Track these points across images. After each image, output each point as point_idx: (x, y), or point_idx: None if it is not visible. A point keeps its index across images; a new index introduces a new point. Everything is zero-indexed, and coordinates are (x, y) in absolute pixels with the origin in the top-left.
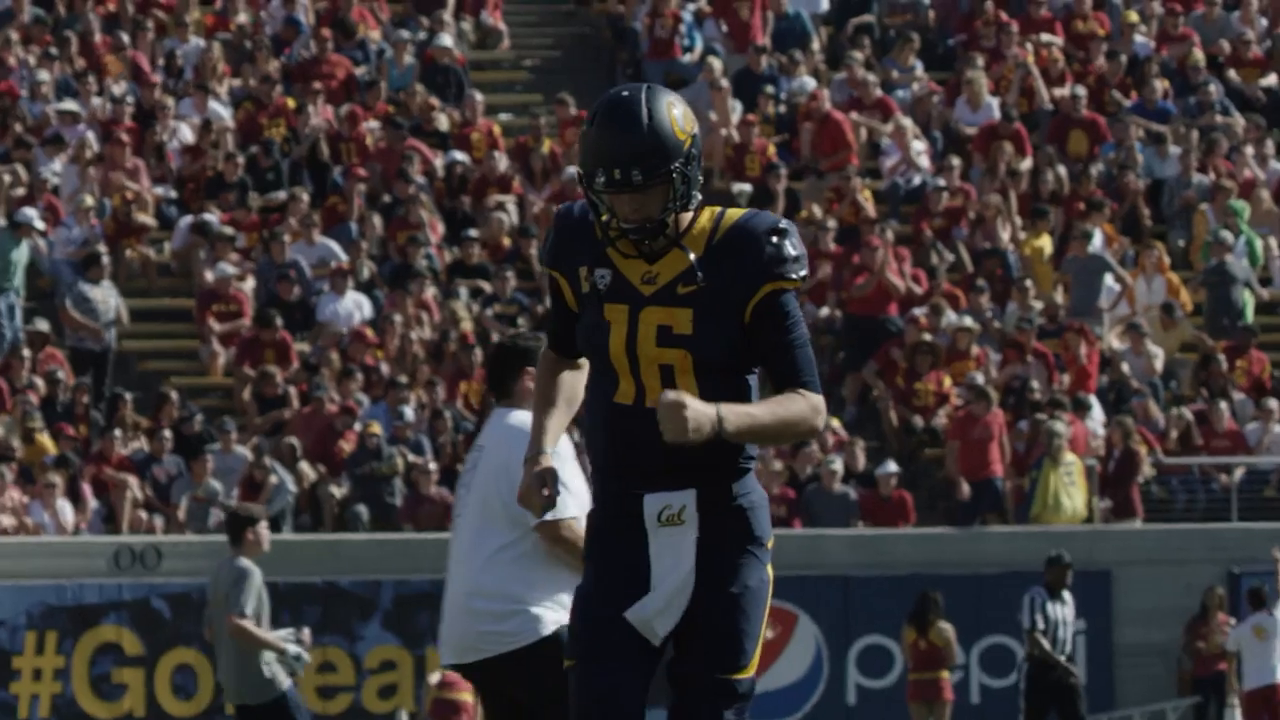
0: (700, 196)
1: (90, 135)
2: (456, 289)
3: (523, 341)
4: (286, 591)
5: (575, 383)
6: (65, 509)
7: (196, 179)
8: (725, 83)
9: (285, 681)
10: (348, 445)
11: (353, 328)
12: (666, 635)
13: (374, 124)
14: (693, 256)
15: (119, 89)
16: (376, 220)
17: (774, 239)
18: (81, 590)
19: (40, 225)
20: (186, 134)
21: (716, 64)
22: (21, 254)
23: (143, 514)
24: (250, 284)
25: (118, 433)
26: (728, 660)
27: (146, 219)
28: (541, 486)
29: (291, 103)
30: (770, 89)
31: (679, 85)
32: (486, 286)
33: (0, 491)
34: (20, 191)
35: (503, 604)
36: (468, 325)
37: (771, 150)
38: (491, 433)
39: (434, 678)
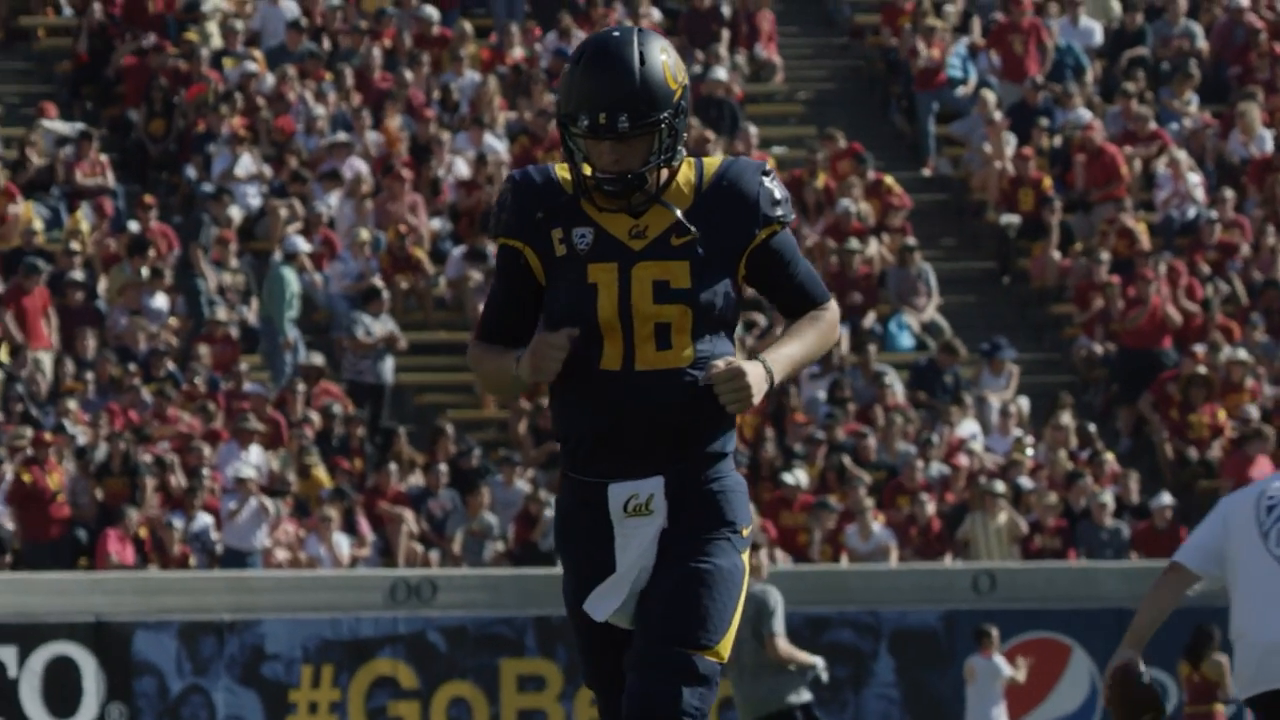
0: (685, 153)
1: (365, 169)
2: None
3: None
4: (559, 624)
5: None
6: (341, 542)
7: (471, 213)
8: (1000, 115)
9: (806, 694)
10: None
11: None
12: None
13: None
14: (678, 213)
15: (395, 123)
16: None
17: (765, 181)
18: (357, 624)
19: (306, 248)
20: (462, 168)
21: (990, 97)
22: (295, 285)
23: (418, 547)
24: None
25: (393, 466)
26: (689, 634)
27: (421, 254)
28: (555, 349)
29: None
30: (1045, 121)
31: (953, 118)
32: (760, 318)
33: (276, 525)
34: (296, 225)
35: None
36: (740, 358)
37: (1047, 183)
38: None
39: None
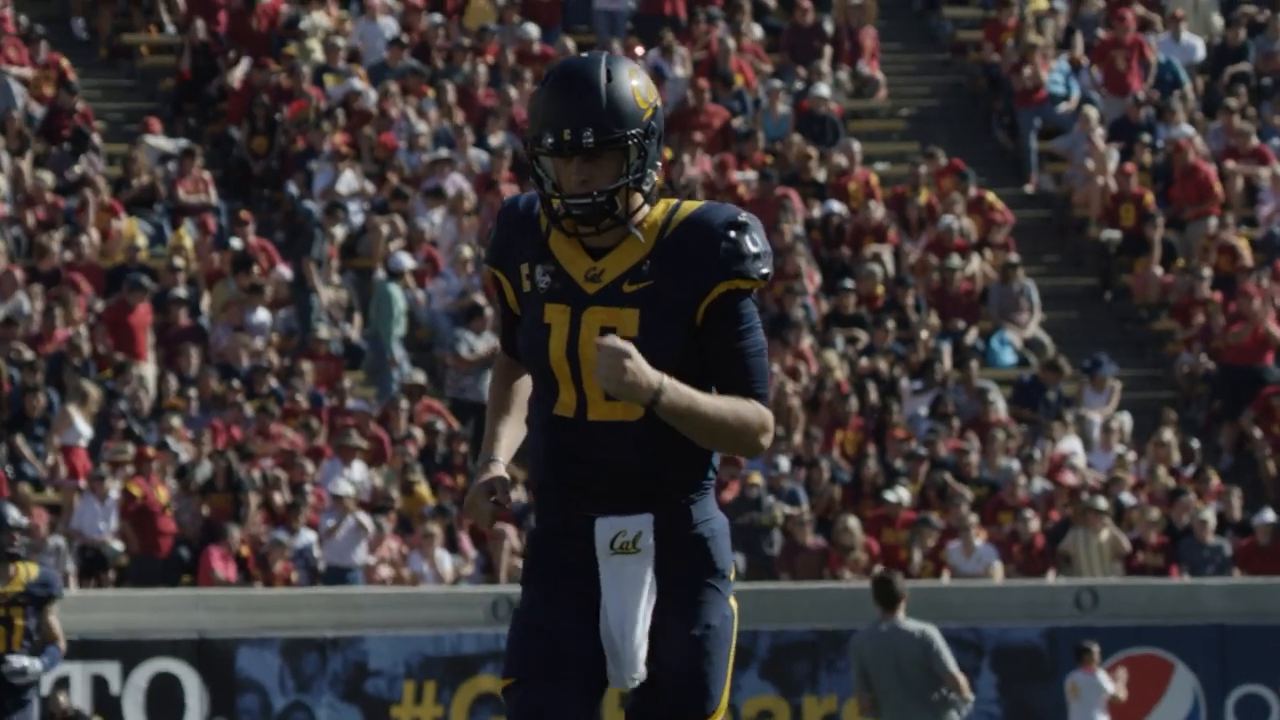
0: (657, 180)
1: (467, 186)
2: (833, 338)
3: None
4: None
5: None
6: (444, 559)
7: None
8: (1101, 131)
9: None
10: (727, 495)
11: None
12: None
13: (750, 174)
14: (637, 233)
15: (496, 140)
16: None
17: (732, 233)
18: (460, 640)
19: (411, 265)
20: None
21: (1093, 113)
22: (402, 302)
23: (521, 563)
24: None
25: None
26: (692, 707)
27: None
28: (490, 494)
29: (668, 153)
30: (1147, 137)
31: (1055, 134)
32: (863, 336)
33: (379, 542)
34: (399, 242)
35: None
36: (841, 374)
37: (1149, 199)
38: None
39: None
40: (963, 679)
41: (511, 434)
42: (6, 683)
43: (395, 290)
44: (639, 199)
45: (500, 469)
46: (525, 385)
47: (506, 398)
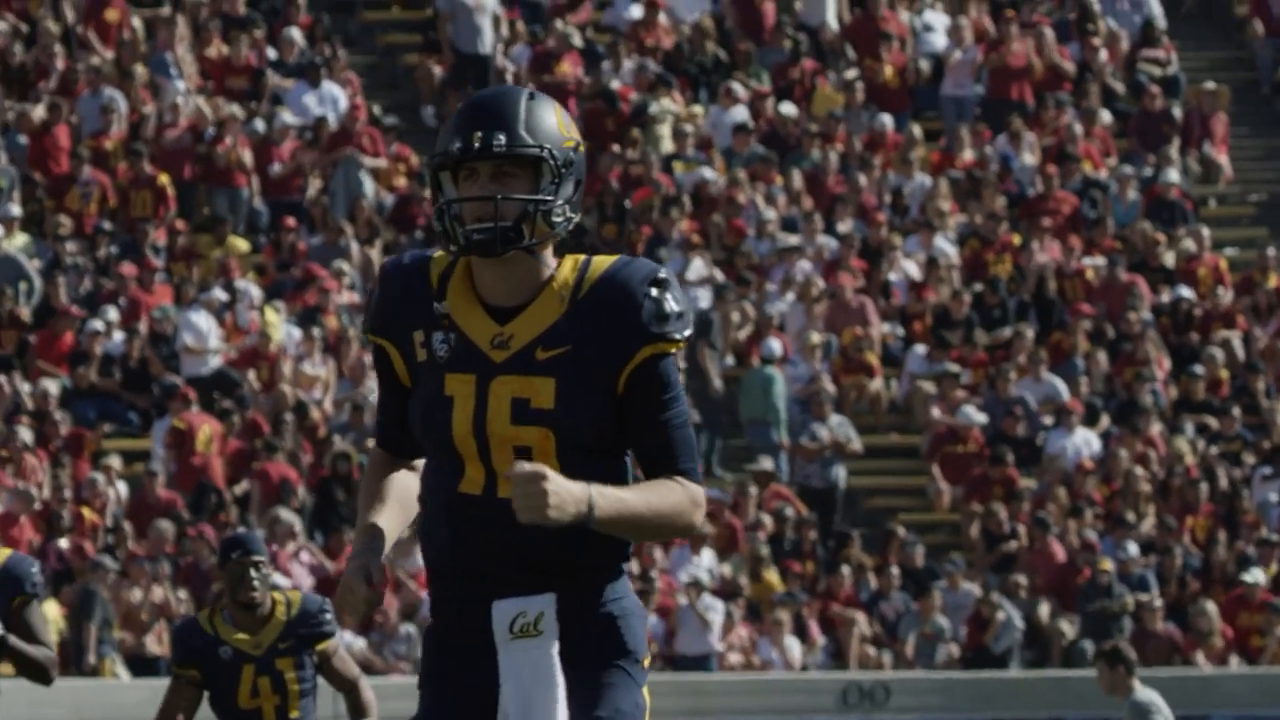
0: (575, 218)
1: (815, 272)
2: (1182, 424)
3: None
4: None
5: (410, 485)
6: (793, 646)
7: (922, 316)
8: None
9: None
10: (1077, 581)
11: (1079, 463)
12: None
13: (1099, 260)
14: (564, 298)
15: (845, 226)
16: (1102, 356)
17: (654, 291)
18: None
19: (778, 351)
20: (912, 270)
21: None
22: (780, 385)
23: (871, 650)
24: (978, 420)
25: (844, 569)
26: None
27: (873, 358)
28: (366, 581)
29: (1016, 239)
30: None
31: None
32: (1212, 422)
33: (729, 629)
34: (748, 330)
35: None
36: (1190, 460)
37: None
38: None
39: None
40: None
41: (390, 522)
42: None
43: (776, 375)
44: (547, 234)
45: (377, 556)
46: (403, 479)
47: (383, 488)
